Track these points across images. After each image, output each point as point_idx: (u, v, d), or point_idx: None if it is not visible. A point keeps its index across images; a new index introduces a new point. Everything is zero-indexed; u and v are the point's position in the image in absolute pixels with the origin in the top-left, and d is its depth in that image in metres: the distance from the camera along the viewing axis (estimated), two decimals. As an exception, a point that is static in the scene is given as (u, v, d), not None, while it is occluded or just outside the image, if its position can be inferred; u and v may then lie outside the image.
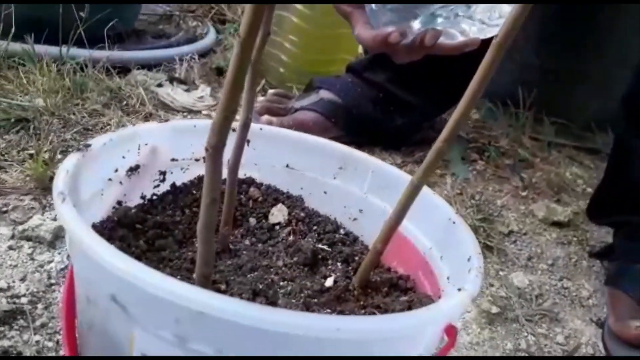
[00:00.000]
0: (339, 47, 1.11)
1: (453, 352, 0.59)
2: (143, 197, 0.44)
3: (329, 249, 0.46)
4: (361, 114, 0.92)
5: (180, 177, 0.46)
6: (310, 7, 1.06)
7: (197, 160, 0.46)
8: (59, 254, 0.58)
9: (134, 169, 0.42)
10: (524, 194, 1.01)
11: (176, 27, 1.29)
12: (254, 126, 0.48)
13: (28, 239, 0.59)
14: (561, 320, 0.70)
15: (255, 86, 0.37)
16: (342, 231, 0.48)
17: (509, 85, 1.25)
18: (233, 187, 0.40)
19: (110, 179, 0.41)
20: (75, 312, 0.35)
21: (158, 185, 0.45)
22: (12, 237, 0.59)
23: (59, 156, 0.71)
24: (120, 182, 0.42)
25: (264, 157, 0.49)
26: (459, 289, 0.32)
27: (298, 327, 0.26)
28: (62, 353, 0.47)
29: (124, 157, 0.41)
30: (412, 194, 0.38)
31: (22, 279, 0.54)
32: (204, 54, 1.15)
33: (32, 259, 0.57)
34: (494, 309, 0.68)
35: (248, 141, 0.48)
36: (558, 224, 0.93)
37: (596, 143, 1.26)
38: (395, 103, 0.95)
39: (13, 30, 0.86)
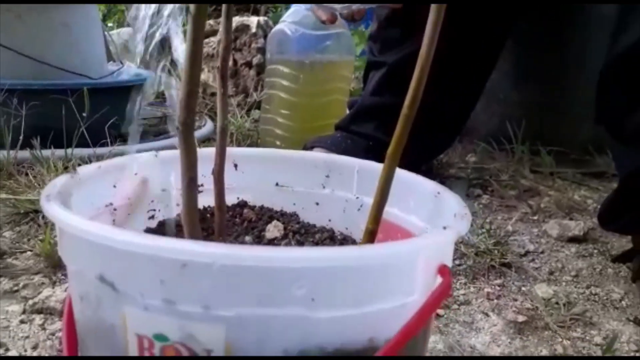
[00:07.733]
0: (329, 113, 1.17)
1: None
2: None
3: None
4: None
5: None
6: (293, 81, 1.13)
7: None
8: (70, 321, 0.58)
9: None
10: (534, 217, 1.00)
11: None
12: (239, 150, 0.51)
13: (39, 311, 0.59)
14: (596, 324, 0.67)
15: (226, 92, 0.40)
16: (339, 236, 0.48)
17: (498, 124, 1.29)
18: (222, 196, 0.42)
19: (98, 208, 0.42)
20: (75, 331, 0.35)
21: (152, 217, 0.47)
22: (23, 312, 0.59)
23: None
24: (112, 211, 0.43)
25: (253, 179, 0.50)
26: (444, 227, 0.32)
27: (295, 260, 0.26)
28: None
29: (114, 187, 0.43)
30: (391, 166, 0.39)
31: (34, 347, 0.54)
32: (203, 140, 1.21)
33: (44, 329, 0.57)
34: (521, 318, 0.65)
35: (236, 165, 0.50)
36: (575, 240, 0.91)
37: (599, 166, 1.26)
38: (386, 149, 0.97)
39: (21, 138, 0.93)
